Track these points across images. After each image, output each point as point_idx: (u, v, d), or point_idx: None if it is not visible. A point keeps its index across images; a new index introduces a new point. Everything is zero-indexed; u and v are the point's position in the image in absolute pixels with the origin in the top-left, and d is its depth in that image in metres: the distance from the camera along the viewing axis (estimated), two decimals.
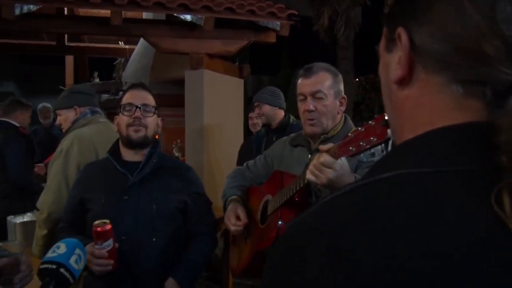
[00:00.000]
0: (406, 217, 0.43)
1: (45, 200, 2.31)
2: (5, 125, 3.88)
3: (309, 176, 1.45)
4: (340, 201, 0.49)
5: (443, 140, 0.48)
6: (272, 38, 4.95)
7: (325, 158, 1.39)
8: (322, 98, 1.74)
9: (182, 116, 4.62)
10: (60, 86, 7.72)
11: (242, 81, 5.34)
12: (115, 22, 4.09)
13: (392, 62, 0.56)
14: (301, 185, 1.53)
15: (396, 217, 0.43)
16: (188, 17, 4.37)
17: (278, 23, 4.70)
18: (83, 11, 5.61)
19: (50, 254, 1.02)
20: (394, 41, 0.55)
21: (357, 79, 10.94)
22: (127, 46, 7.24)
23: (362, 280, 0.41)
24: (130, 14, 4.77)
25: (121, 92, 5.88)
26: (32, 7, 4.00)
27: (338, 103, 1.78)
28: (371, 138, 1.25)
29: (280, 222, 1.61)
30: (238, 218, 1.88)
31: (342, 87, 1.80)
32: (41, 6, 4.02)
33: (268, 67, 12.53)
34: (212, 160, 4.41)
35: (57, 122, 2.66)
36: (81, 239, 1.37)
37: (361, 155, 1.43)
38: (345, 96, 1.81)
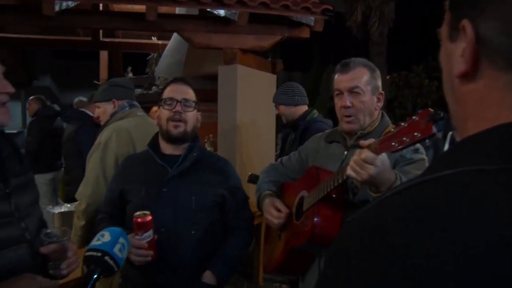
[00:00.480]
0: (467, 217, 0.41)
1: (83, 191, 2.36)
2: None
3: (349, 172, 1.42)
4: (399, 199, 0.47)
5: (510, 136, 0.46)
6: (305, 34, 4.91)
7: (367, 154, 1.37)
8: (360, 94, 1.71)
9: (214, 111, 4.64)
10: (94, 81, 7.91)
11: (274, 76, 5.31)
12: (150, 17, 4.13)
13: (455, 54, 0.53)
14: (340, 181, 1.51)
15: (457, 216, 0.41)
16: (221, 12, 4.37)
17: (312, 18, 4.66)
18: (117, 7, 5.69)
19: (95, 242, 1.03)
20: (457, 30, 0.53)
21: (389, 76, 10.76)
22: (160, 42, 7.32)
23: (415, 278, 0.40)
24: (164, 9, 4.82)
25: (154, 87, 5.97)
26: (71, 3, 4.08)
27: (375, 99, 1.75)
28: (415, 134, 1.22)
29: (316, 219, 1.59)
30: (278, 210, 1.87)
31: (379, 83, 1.76)
32: (79, 2, 4.10)
33: (300, 63, 12.46)
34: (244, 155, 4.41)
35: (96, 114, 2.71)
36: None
37: (404, 151, 1.41)
38: (382, 92, 1.78)
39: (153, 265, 1.78)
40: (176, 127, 1.92)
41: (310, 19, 4.66)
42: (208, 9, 4.30)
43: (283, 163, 2.08)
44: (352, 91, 1.71)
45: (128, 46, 7.84)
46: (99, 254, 1.01)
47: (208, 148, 4.64)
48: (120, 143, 2.35)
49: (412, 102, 9.13)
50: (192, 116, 1.97)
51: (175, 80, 2.06)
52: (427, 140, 1.24)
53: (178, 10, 5.39)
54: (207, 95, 4.85)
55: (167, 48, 6.83)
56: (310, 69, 11.84)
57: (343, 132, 1.81)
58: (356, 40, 10.12)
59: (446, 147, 5.72)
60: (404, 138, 1.25)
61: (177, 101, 1.93)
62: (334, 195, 1.60)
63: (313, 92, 10.48)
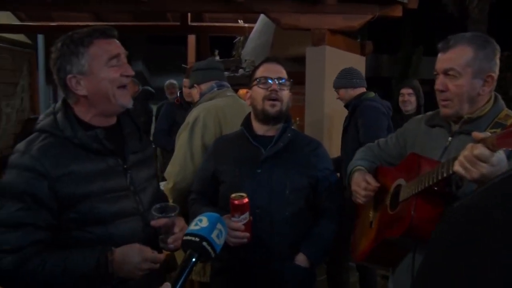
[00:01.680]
0: None
1: (171, 170, 2.40)
2: None
3: (457, 168, 1.26)
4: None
5: None
6: (398, 12, 4.65)
7: (481, 150, 1.20)
8: (455, 76, 1.50)
9: (301, 94, 4.55)
10: (182, 65, 8.14)
11: (363, 58, 5.11)
12: None
13: None
14: (444, 175, 1.35)
15: None
16: None
17: None
18: None
19: (192, 227, 1.01)
20: None
21: None
22: (246, 25, 7.36)
23: None
24: None
25: (240, 70, 5.99)
26: None
27: (480, 82, 1.50)
28: None
29: (414, 212, 1.46)
30: (367, 183, 1.75)
31: (490, 63, 1.51)
32: None
33: (387, 45, 11.90)
34: (332, 139, 4.30)
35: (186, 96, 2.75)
36: (216, 211, 1.39)
37: None
38: (492, 74, 1.52)
39: (247, 246, 1.77)
40: (272, 106, 1.90)
41: None
42: None
43: (380, 145, 1.94)
44: (447, 73, 1.52)
45: (215, 30, 7.98)
46: (197, 239, 0.99)
47: None
48: (207, 123, 2.37)
49: None
50: (287, 95, 1.94)
51: (269, 59, 2.02)
52: None
53: None
54: (294, 78, 4.73)
55: (253, 30, 6.83)
56: (399, 52, 11.26)
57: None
58: (452, 17, 9.42)
59: None
60: None
61: (273, 79, 1.89)
62: (435, 188, 1.45)
63: (402, 76, 9.98)
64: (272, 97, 1.89)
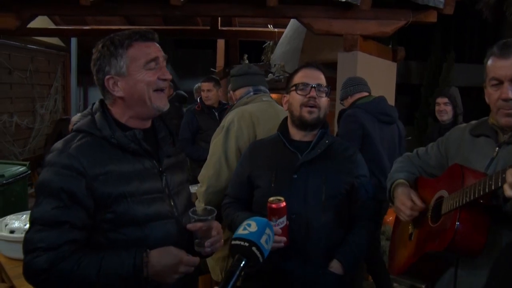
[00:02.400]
0: None
1: (205, 173, 2.42)
2: None
3: (508, 191, 1.20)
4: None
5: None
6: (433, 18, 4.55)
7: None
8: None
9: (333, 99, 4.51)
10: (211, 68, 8.20)
11: (395, 64, 5.05)
12: (271, 3, 4.12)
13: None
14: (493, 188, 1.29)
15: None
16: None
17: (442, 0, 4.29)
18: None
19: (241, 231, 1.01)
20: None
21: None
22: (276, 29, 7.37)
23: None
24: None
25: (270, 74, 5.99)
26: None
27: None
28: None
29: (458, 225, 1.40)
30: (413, 203, 1.69)
31: None
32: None
33: (417, 51, 11.71)
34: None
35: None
36: (251, 216, 1.38)
37: None
38: None
39: (281, 251, 1.75)
40: (310, 112, 1.89)
41: (439, 1, 4.31)
42: None
43: (419, 155, 1.89)
44: None
45: (245, 34, 8.02)
46: (246, 244, 0.99)
47: None
48: (241, 127, 2.37)
49: None
50: (325, 102, 1.93)
51: (308, 65, 2.01)
52: None
53: None
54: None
55: (283, 35, 6.83)
56: (429, 58, 11.04)
57: (497, 126, 1.55)
58: (485, 23, 9.19)
59: None
60: None
61: (311, 86, 1.89)
62: (481, 201, 1.39)
63: (432, 83, 9.78)
64: (310, 104, 1.88)
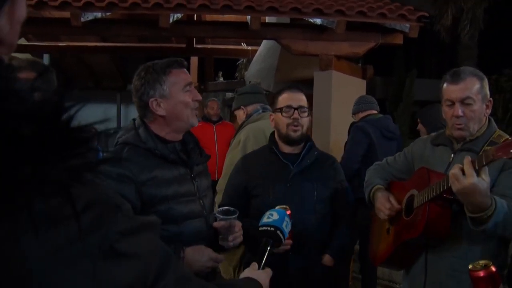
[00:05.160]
0: None
1: (223, 183, 2.67)
2: None
3: (452, 185, 1.59)
4: None
5: None
6: (399, 40, 4.99)
7: (455, 171, 1.55)
8: (471, 104, 1.80)
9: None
10: None
11: (364, 82, 5.42)
12: (254, 27, 4.42)
13: None
14: (449, 185, 1.65)
15: None
16: (318, 20, 4.57)
17: (408, 25, 4.72)
18: (220, 17, 6.01)
19: (266, 220, 1.35)
20: None
21: None
22: (249, 48, 7.64)
23: None
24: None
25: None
26: (180, 15, 4.48)
27: (484, 106, 1.84)
28: None
29: (429, 214, 1.75)
30: (391, 204, 2.03)
31: (488, 90, 1.86)
32: (188, 13, 4.48)
33: (381, 68, 12.29)
34: (338, 157, 4.54)
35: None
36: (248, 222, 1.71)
37: None
38: (491, 99, 1.87)
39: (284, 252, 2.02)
40: (295, 131, 2.16)
41: (405, 26, 4.73)
42: (309, 19, 4.50)
43: (389, 163, 2.23)
44: (464, 101, 1.81)
45: (219, 52, 8.24)
46: (272, 229, 1.31)
47: None
48: (257, 140, 2.68)
49: (503, 107, 8.69)
50: (307, 120, 2.20)
51: (290, 88, 2.29)
52: None
53: (269, 19, 5.65)
54: None
55: (257, 53, 7.11)
56: (392, 75, 11.64)
57: (452, 137, 1.92)
58: (441, 44, 9.84)
59: None
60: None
61: (294, 108, 2.15)
62: (445, 195, 1.74)
63: (396, 98, 10.32)
64: (295, 124, 2.15)
